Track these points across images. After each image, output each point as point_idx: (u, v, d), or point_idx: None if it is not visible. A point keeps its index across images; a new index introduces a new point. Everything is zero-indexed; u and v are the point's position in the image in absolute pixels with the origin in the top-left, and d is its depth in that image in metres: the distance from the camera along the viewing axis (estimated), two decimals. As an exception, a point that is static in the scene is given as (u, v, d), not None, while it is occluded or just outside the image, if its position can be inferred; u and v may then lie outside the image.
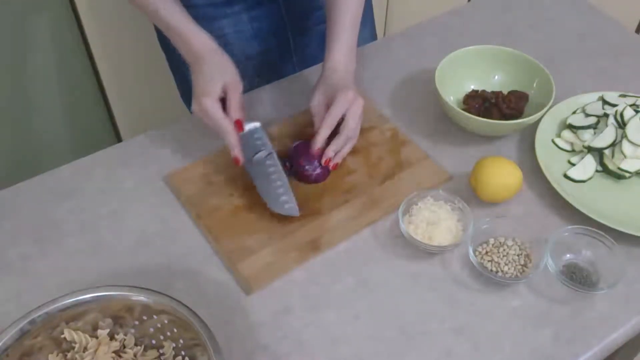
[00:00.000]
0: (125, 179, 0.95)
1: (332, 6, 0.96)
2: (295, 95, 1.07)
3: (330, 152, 0.89)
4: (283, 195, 0.88)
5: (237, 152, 0.87)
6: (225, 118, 0.86)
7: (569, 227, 0.86)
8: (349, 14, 0.95)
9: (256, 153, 0.91)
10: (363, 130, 1.00)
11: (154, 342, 0.73)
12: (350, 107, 0.88)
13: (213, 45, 0.89)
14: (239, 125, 0.88)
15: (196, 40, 0.88)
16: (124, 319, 0.72)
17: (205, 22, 0.92)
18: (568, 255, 0.86)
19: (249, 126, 0.91)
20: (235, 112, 0.87)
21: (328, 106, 0.90)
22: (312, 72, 1.10)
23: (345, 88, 0.89)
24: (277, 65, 1.17)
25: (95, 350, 0.71)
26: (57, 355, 0.70)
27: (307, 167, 0.91)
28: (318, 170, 0.91)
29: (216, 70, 0.87)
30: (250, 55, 1.10)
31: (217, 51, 0.89)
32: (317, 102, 0.92)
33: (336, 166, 0.91)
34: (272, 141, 0.95)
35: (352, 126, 0.89)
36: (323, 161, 0.90)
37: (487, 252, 0.85)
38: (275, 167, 0.90)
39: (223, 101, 0.87)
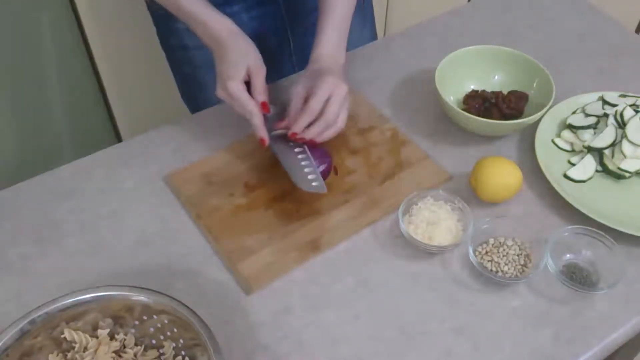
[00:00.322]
0: (125, 179, 0.95)
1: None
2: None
3: (297, 128, 0.87)
4: (310, 174, 0.88)
5: (262, 133, 0.88)
6: (251, 99, 0.87)
7: (569, 227, 0.86)
8: (339, 7, 0.94)
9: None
10: (363, 130, 1.01)
11: (154, 342, 0.73)
12: (332, 93, 0.86)
13: (234, 29, 0.89)
14: (264, 107, 0.88)
15: (217, 25, 0.88)
16: (124, 319, 0.72)
17: None
18: (568, 255, 0.86)
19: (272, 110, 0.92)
20: (260, 94, 0.88)
21: (306, 92, 0.88)
22: (312, 72, 1.10)
23: (325, 75, 0.87)
24: (277, 66, 1.17)
25: (96, 350, 0.71)
26: (57, 355, 0.70)
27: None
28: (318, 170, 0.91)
29: (239, 54, 0.87)
30: None
31: (238, 34, 0.89)
32: (297, 90, 0.89)
33: (313, 142, 0.89)
34: None
35: (332, 111, 0.87)
36: (290, 134, 0.88)
37: (487, 252, 0.85)
38: (302, 148, 0.91)
39: (247, 84, 0.88)
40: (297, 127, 0.88)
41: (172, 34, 1.10)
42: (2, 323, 0.68)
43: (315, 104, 0.86)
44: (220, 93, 0.88)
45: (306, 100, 0.88)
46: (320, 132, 0.88)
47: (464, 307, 0.81)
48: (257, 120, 0.88)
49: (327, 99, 0.87)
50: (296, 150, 0.91)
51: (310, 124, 0.88)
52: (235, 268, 0.83)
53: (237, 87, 0.86)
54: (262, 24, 1.10)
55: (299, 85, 0.90)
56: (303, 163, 0.89)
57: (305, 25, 1.15)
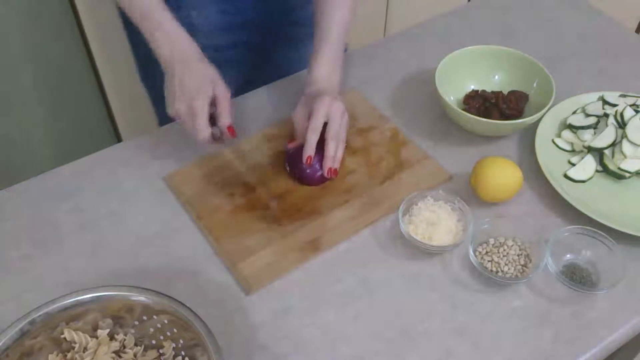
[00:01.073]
0: (125, 179, 0.95)
1: (321, 15, 0.96)
2: (294, 96, 1.06)
3: (329, 162, 0.90)
4: None
5: (206, 141, 0.88)
6: (206, 121, 0.86)
7: (569, 227, 0.86)
8: (336, 26, 0.96)
9: None
10: (363, 130, 1.01)
11: (154, 342, 0.73)
12: (330, 112, 0.89)
13: (200, 52, 0.90)
14: (231, 132, 0.89)
15: (186, 43, 0.89)
16: (124, 319, 0.72)
17: (173, 11, 0.91)
18: (568, 256, 0.86)
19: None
20: (227, 117, 0.88)
21: (307, 115, 0.91)
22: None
23: (322, 96, 0.90)
24: (245, 60, 1.17)
25: (95, 351, 0.71)
26: (57, 356, 0.70)
27: (308, 170, 0.91)
28: (320, 172, 0.91)
29: (207, 74, 0.88)
30: (219, 47, 1.10)
31: (204, 59, 0.90)
32: (297, 112, 0.93)
33: (336, 172, 0.92)
34: (270, 142, 0.98)
35: (334, 129, 0.89)
36: (326, 172, 0.90)
37: (487, 252, 0.85)
38: None
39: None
40: (310, 149, 0.89)
41: None
42: (2, 323, 0.68)
43: (316, 124, 0.89)
44: (176, 109, 0.87)
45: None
46: (335, 149, 0.90)
47: (464, 307, 0.81)
48: (204, 137, 0.87)
49: (327, 119, 0.89)
50: None
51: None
52: (235, 268, 0.83)
53: (203, 107, 0.85)
54: (232, 17, 1.09)
55: (298, 107, 0.93)
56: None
57: (275, 24, 1.14)
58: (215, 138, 0.89)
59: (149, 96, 1.22)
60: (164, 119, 1.04)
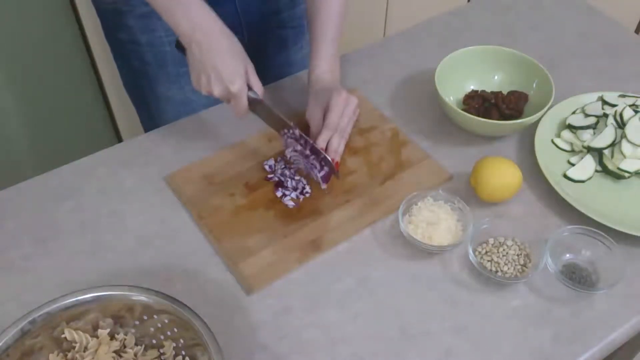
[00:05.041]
0: (125, 179, 0.95)
1: (315, 13, 0.98)
2: (293, 96, 1.07)
3: (332, 152, 0.92)
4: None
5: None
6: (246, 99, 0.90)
7: (569, 227, 0.86)
8: (332, 21, 0.98)
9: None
10: (363, 130, 1.01)
11: (154, 341, 0.73)
12: (345, 107, 0.92)
13: (221, 23, 0.90)
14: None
15: (205, 16, 0.89)
16: (124, 318, 0.72)
17: (159, 18, 0.91)
18: (568, 255, 0.86)
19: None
20: (261, 90, 0.91)
21: (322, 111, 0.93)
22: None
23: (338, 90, 0.93)
24: None
25: (96, 350, 0.71)
26: (57, 355, 0.70)
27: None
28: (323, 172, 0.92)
29: (238, 54, 0.89)
30: None
31: (225, 30, 0.89)
32: (312, 111, 0.95)
33: (337, 165, 0.93)
34: (270, 142, 0.98)
35: (343, 124, 0.92)
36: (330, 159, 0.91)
37: (486, 252, 0.85)
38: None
39: None
40: (322, 142, 0.91)
41: (120, 29, 1.07)
42: (2, 323, 0.68)
43: (333, 120, 0.91)
44: (210, 91, 0.89)
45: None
46: (338, 143, 0.93)
47: (464, 307, 0.81)
48: (244, 114, 0.92)
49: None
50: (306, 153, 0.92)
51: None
52: (236, 268, 0.83)
53: (244, 86, 0.89)
54: None
55: (311, 104, 0.95)
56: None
57: (261, 28, 1.14)
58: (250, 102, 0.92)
59: (134, 105, 1.22)
60: (149, 128, 1.06)
